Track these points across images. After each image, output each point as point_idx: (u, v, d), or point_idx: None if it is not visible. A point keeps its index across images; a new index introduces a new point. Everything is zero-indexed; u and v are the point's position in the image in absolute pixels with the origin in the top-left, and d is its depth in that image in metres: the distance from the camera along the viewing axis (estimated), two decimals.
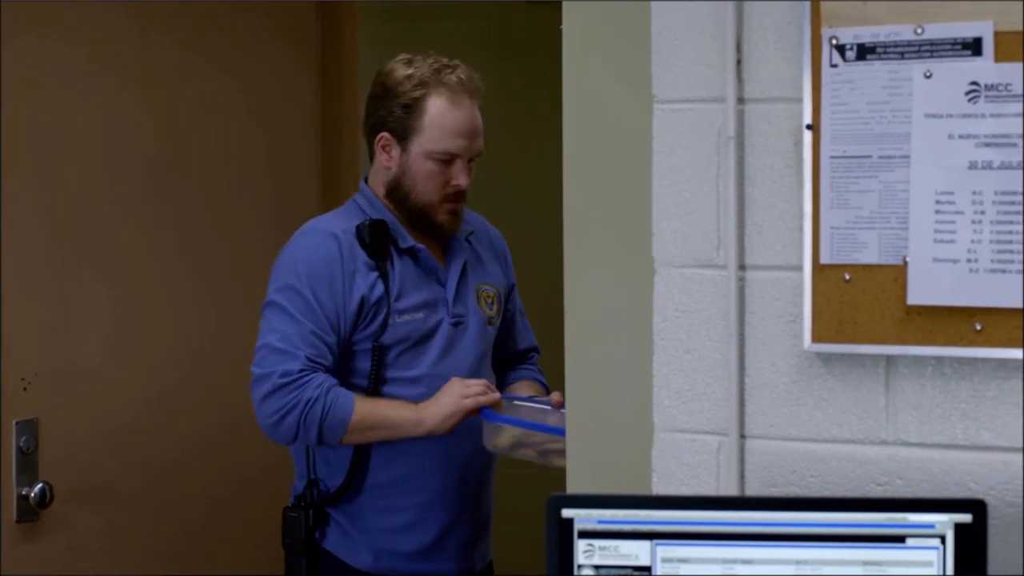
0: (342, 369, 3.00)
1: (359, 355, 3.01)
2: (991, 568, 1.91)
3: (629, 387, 2.19)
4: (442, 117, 3.02)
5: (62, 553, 3.18)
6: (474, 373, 3.09)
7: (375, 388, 3.00)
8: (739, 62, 2.10)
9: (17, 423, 3.07)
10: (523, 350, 3.38)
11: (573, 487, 2.25)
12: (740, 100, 2.10)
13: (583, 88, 2.22)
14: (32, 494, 3.08)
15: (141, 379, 3.39)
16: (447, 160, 3.04)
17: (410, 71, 3.05)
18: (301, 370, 2.88)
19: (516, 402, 3.09)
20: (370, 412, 2.94)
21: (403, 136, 3.04)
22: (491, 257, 3.25)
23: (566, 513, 1.94)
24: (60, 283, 3.19)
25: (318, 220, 3.12)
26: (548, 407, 3.03)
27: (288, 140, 3.83)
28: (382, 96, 3.07)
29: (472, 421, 3.00)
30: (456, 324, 3.10)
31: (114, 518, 3.31)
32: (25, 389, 3.08)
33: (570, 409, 2.26)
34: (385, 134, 3.06)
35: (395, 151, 3.05)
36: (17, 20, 3.04)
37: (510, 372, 3.35)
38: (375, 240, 3.00)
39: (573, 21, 2.23)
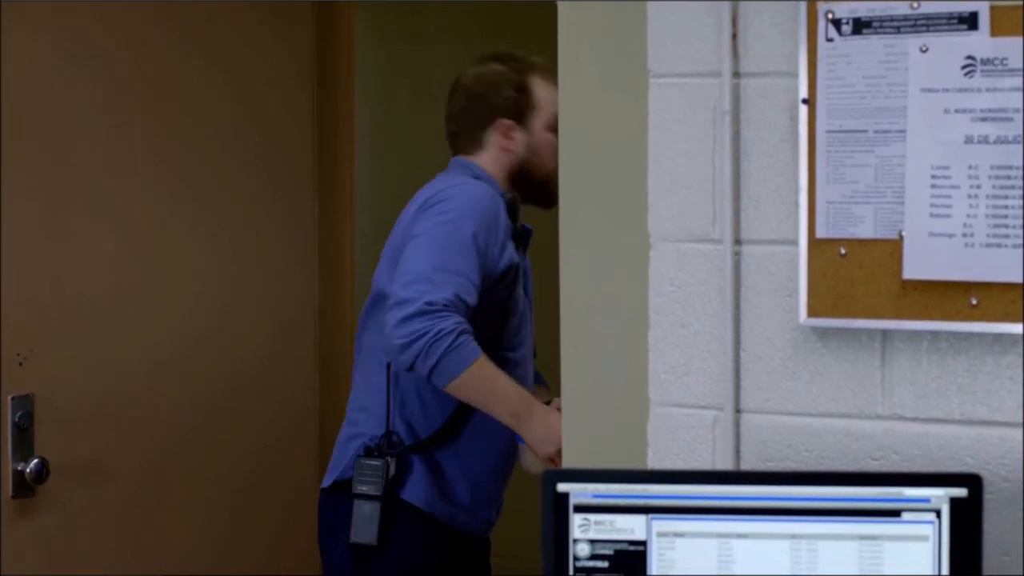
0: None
1: (479, 316, 3.05)
2: (987, 542, 1.91)
3: (625, 362, 2.19)
4: (548, 91, 3.21)
5: (58, 529, 3.18)
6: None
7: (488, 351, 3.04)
8: (735, 36, 2.10)
9: (13, 398, 3.06)
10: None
11: (568, 462, 2.25)
12: (736, 75, 2.10)
13: (578, 64, 2.22)
14: (28, 470, 3.08)
15: (139, 355, 3.39)
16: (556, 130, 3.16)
17: (497, 66, 3.28)
18: (445, 304, 2.92)
19: None
20: (487, 372, 2.97)
21: (521, 117, 3.24)
22: None
23: (561, 487, 1.94)
24: (56, 258, 3.18)
25: (466, 178, 3.20)
26: None
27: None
28: (483, 93, 3.25)
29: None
30: (527, 305, 3.24)
31: (111, 494, 3.31)
32: (21, 364, 3.08)
33: (566, 384, 2.26)
34: (504, 120, 3.23)
35: (517, 133, 3.23)
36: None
37: None
38: (511, 214, 3.17)
39: None
